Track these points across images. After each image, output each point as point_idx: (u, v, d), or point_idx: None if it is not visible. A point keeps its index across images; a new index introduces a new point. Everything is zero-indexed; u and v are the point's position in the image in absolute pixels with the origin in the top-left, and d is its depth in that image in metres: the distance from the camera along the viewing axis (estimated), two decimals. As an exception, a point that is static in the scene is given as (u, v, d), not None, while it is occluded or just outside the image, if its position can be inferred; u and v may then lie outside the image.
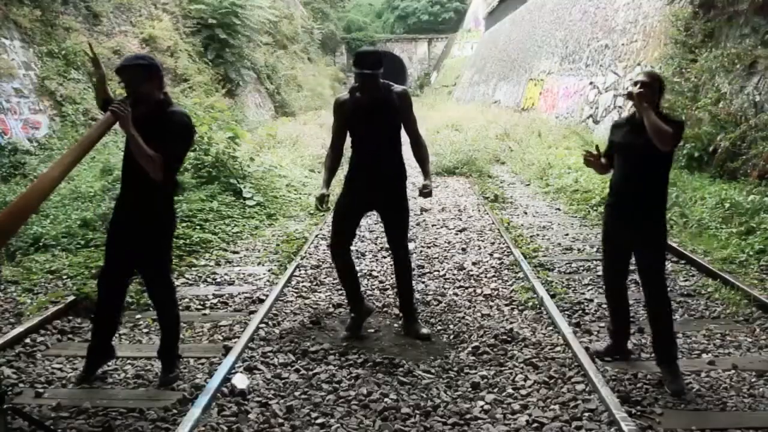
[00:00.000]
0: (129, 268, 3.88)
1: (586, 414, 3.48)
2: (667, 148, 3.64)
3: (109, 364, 4.08)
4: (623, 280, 4.16)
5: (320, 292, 5.73)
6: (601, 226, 4.25)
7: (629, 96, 3.76)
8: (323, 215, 8.95)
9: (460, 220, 8.66)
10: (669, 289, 5.40)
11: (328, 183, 4.43)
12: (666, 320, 3.83)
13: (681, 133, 3.73)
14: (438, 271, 6.30)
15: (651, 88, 3.74)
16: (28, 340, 4.52)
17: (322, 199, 4.35)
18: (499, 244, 7.24)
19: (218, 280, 6.09)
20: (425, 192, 4.38)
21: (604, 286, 4.29)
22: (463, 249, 7.11)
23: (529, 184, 11.63)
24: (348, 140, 4.51)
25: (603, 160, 4.09)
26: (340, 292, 5.69)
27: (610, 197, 4.06)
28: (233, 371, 4.00)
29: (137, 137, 3.37)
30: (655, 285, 3.86)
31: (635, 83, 3.78)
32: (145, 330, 4.83)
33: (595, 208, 8.65)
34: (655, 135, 3.58)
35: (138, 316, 5.04)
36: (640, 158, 3.78)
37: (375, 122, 4.33)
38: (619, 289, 4.16)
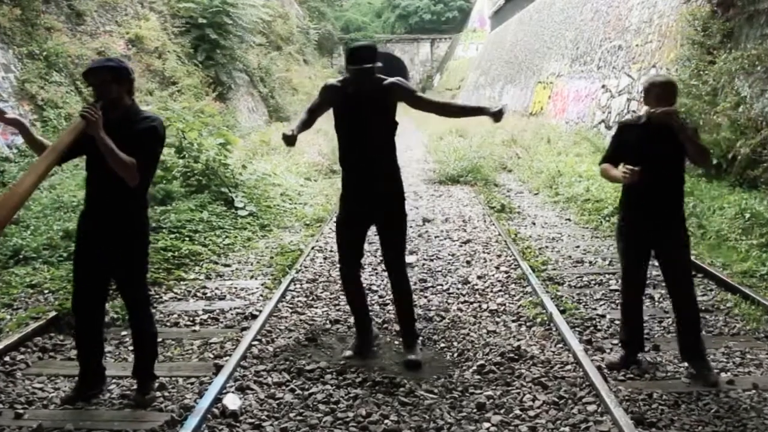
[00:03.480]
0: (105, 282, 3.88)
1: (598, 436, 3.50)
2: (708, 164, 3.99)
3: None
4: (644, 290, 4.46)
5: (316, 307, 5.75)
6: (618, 236, 4.40)
7: (665, 115, 3.89)
8: (320, 226, 8.99)
9: (465, 231, 8.69)
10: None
11: (299, 129, 4.45)
12: (697, 316, 4.19)
13: None
14: (441, 285, 6.33)
15: (673, 99, 4.01)
16: (7, 358, 4.53)
17: (288, 136, 4.34)
18: (506, 256, 7.27)
19: (209, 294, 6.12)
20: (496, 112, 4.27)
21: (621, 298, 4.47)
22: (468, 262, 7.13)
23: (537, 194, 11.68)
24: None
25: (620, 168, 4.12)
26: (337, 307, 5.73)
27: (628, 208, 4.21)
28: (224, 391, 4.02)
29: (110, 142, 3.41)
30: (687, 286, 4.18)
31: (645, 89, 4.03)
32: (131, 348, 4.83)
33: (607, 218, 8.68)
34: (698, 156, 3.99)
35: (123, 333, 5.06)
36: (668, 166, 4.00)
37: (366, 117, 4.27)
38: (639, 300, 4.39)
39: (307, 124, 4.52)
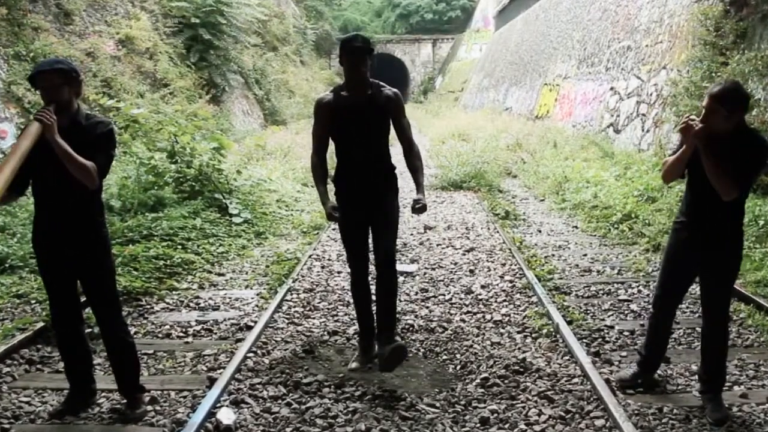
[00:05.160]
0: (74, 288, 3.89)
1: (606, 452, 3.51)
2: (729, 199, 3.63)
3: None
4: (677, 306, 4.30)
5: (314, 318, 5.77)
6: (670, 235, 4.16)
7: (686, 129, 3.66)
8: (317, 233, 9.01)
9: (468, 239, 8.71)
10: (697, 314, 5.47)
11: (327, 194, 4.49)
12: (722, 350, 3.96)
13: (758, 169, 3.69)
14: (443, 295, 6.34)
15: (717, 115, 3.63)
16: (-8, 371, 4.55)
17: (334, 210, 4.36)
18: (511, 265, 7.29)
19: (202, 304, 6.13)
20: (418, 207, 4.36)
21: (652, 309, 4.29)
22: (471, 271, 7.15)
23: (543, 200, 11.70)
24: (331, 147, 4.59)
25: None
26: (335, 318, 5.74)
27: (681, 215, 4.00)
28: (218, 405, 4.04)
29: (66, 146, 3.45)
30: (718, 314, 3.96)
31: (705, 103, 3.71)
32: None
33: (615, 225, 8.70)
34: (713, 184, 3.61)
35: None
36: None
37: (362, 124, 4.42)
38: (670, 317, 4.26)
39: (326, 174, 4.59)
